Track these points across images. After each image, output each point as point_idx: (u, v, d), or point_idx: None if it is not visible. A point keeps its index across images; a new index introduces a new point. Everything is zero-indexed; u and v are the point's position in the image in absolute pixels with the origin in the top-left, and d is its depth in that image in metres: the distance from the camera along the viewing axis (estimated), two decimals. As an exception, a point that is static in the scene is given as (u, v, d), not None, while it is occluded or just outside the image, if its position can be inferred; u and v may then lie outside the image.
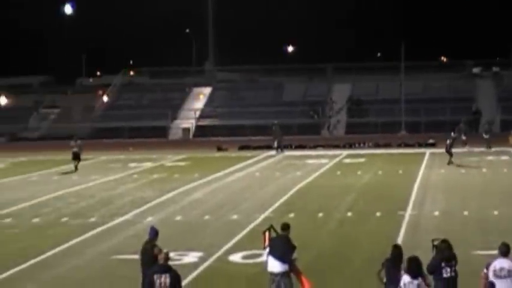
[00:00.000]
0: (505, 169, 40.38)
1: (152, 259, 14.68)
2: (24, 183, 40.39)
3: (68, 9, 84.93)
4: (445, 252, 14.61)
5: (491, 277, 14.02)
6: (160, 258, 13.74)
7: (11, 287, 19.23)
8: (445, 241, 14.89)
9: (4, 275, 20.06)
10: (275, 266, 15.56)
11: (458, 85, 76.03)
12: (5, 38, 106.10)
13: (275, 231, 16.08)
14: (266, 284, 15.90)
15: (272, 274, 15.58)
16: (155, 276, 13.41)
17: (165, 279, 13.37)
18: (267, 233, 16.31)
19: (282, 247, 15.63)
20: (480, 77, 79.52)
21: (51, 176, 43.08)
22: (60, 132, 74.14)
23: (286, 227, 16.11)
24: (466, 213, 27.01)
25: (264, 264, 16.01)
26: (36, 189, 37.02)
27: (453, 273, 14.39)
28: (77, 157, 44.38)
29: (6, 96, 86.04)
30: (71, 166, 44.74)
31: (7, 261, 21.42)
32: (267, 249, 15.82)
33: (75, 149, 44.50)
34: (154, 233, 16.02)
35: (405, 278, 13.46)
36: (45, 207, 31.44)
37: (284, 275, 15.50)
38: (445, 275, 14.36)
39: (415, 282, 13.43)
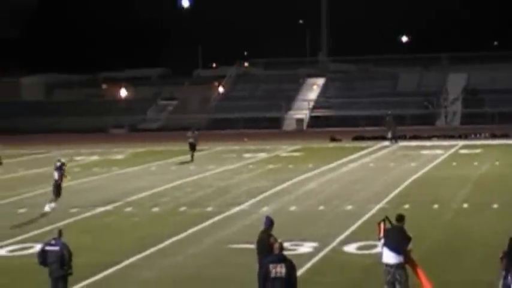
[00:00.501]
0: None
1: (267, 248, 14.98)
2: (143, 173, 41.34)
3: (186, 2, 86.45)
4: None
5: None
6: (276, 248, 13.99)
7: (130, 274, 19.65)
8: None
9: (124, 262, 20.56)
10: (390, 257, 15.56)
11: None
12: (125, 28, 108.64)
13: (390, 222, 16.04)
14: (381, 275, 15.94)
15: (387, 265, 15.58)
16: (271, 266, 13.58)
17: (281, 268, 13.52)
18: (381, 224, 16.28)
19: (397, 238, 15.61)
20: None
21: (169, 166, 43.94)
22: (178, 123, 75.69)
23: (401, 218, 16.05)
24: None
25: (379, 255, 16.09)
26: (155, 179, 37.82)
27: None
28: (193, 148, 45.34)
29: (126, 89, 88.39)
30: (188, 156, 45.64)
31: (127, 249, 21.99)
32: (382, 240, 15.84)
33: (191, 140, 45.47)
34: (269, 222, 16.27)
35: None
36: (164, 197, 32.11)
37: (399, 266, 15.47)
38: None
39: None
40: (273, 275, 13.55)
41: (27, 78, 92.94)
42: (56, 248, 15.39)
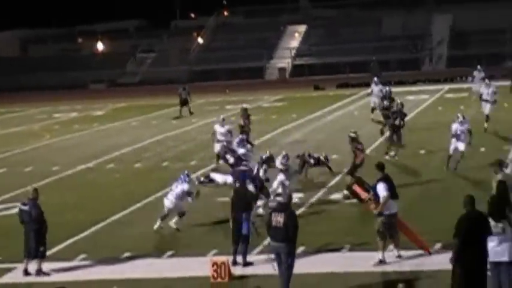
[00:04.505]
0: None
1: (244, 204, 15.87)
2: (124, 128, 40.86)
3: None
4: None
5: None
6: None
7: (115, 230, 19.63)
8: (504, 183, 14.17)
9: (110, 219, 20.50)
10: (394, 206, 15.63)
11: None
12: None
13: (362, 182, 16.42)
14: (367, 223, 16.25)
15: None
16: (273, 215, 14.04)
17: (280, 218, 13.87)
18: (355, 187, 16.73)
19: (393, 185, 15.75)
20: None
21: (150, 121, 43.41)
22: (158, 76, 74.86)
23: (382, 167, 15.93)
24: None
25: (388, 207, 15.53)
26: (136, 134, 37.38)
27: None
28: (185, 103, 44.44)
29: (102, 42, 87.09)
30: (171, 110, 44.95)
31: (111, 206, 21.87)
32: (386, 193, 15.34)
33: (183, 96, 44.60)
34: (244, 177, 17.23)
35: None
36: (146, 152, 31.76)
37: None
38: None
39: (499, 225, 12.61)
40: (273, 223, 13.93)
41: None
42: (26, 208, 16.02)
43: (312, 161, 24.50)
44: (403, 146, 27.23)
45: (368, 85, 53.23)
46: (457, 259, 12.50)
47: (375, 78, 37.49)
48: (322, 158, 24.88)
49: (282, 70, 75.60)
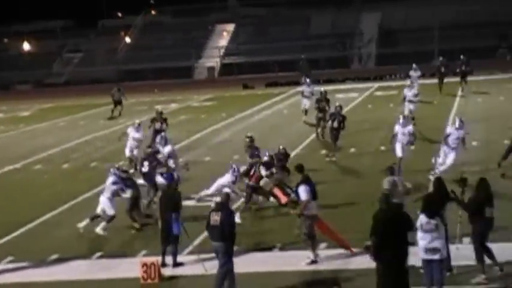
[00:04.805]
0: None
1: (173, 204, 15.68)
2: (52, 129, 40.28)
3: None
4: (486, 191, 14.03)
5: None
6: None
7: (43, 232, 19.35)
8: (483, 179, 14.31)
9: (37, 221, 20.23)
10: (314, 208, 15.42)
11: (495, 8, 71.39)
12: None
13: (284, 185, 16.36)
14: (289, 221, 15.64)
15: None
16: (211, 214, 14.12)
17: (217, 217, 13.95)
18: (276, 190, 16.48)
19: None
20: None
21: (78, 121, 42.84)
22: (84, 76, 73.90)
23: (301, 168, 16.06)
24: (506, 141, 26.17)
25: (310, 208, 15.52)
26: (64, 135, 36.88)
27: (492, 215, 13.94)
28: (118, 103, 43.86)
29: (29, 42, 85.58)
30: (99, 110, 44.39)
31: (39, 207, 21.57)
32: (308, 196, 15.41)
33: (115, 97, 44.02)
34: (171, 178, 17.20)
35: (421, 218, 12.77)
36: (74, 153, 31.41)
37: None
38: (488, 215, 13.89)
39: (432, 222, 12.70)
40: (212, 222, 14.01)
41: None
42: None
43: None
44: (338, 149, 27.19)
45: (297, 84, 53.64)
46: (376, 256, 12.54)
47: (307, 80, 37.15)
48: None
49: (210, 69, 75.38)
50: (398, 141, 22.72)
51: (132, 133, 26.50)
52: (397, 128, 23.06)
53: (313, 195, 15.59)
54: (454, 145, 21.50)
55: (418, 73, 41.82)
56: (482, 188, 14.06)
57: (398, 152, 22.52)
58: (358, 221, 16.97)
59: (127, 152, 26.10)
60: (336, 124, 26.21)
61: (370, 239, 12.47)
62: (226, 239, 13.80)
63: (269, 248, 16.49)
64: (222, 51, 77.94)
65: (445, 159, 21.42)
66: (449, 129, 22.03)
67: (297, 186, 15.70)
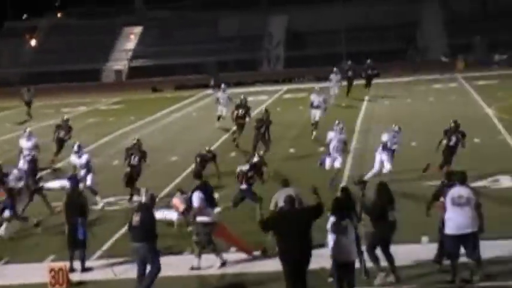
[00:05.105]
0: (453, 97, 40.40)
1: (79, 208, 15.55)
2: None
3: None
4: (388, 195, 14.12)
5: (449, 205, 13.62)
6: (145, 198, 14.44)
7: None
8: (383, 184, 14.42)
9: None
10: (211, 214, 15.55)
11: (403, 10, 72.30)
12: None
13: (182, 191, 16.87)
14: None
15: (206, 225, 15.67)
16: (134, 214, 14.06)
17: (137, 217, 13.89)
18: (175, 200, 17.35)
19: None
20: (424, 0, 76.63)
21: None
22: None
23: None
24: (414, 144, 26.63)
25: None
26: (-34, 139, 35.81)
27: (394, 218, 14.01)
28: (28, 104, 42.98)
29: None
30: (5, 114, 43.45)
31: None
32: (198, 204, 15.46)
33: (26, 98, 43.08)
34: (75, 182, 17.08)
35: (331, 220, 12.83)
36: (-23, 157, 30.35)
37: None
38: (391, 218, 13.95)
39: (343, 223, 12.77)
40: (134, 223, 13.95)
41: None
42: None
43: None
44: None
45: (206, 86, 53.51)
46: (280, 257, 12.68)
47: (223, 85, 36.68)
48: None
49: (118, 72, 74.59)
50: (337, 151, 21.65)
51: (23, 144, 25.07)
52: (332, 135, 22.04)
53: (211, 202, 15.52)
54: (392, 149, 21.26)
55: (339, 76, 41.71)
56: (384, 192, 14.10)
57: (337, 163, 21.50)
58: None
59: (22, 165, 23.54)
60: (263, 129, 26.17)
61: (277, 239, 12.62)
62: (146, 239, 13.66)
63: (179, 252, 16.29)
64: (130, 54, 77.21)
65: (384, 165, 20.94)
66: (385, 136, 21.39)
67: (192, 192, 15.66)
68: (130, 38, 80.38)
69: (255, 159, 19.42)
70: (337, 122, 22.30)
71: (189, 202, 16.00)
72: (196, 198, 15.35)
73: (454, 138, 21.43)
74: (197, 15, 79.16)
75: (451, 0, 73.47)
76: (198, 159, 22.71)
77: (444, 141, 21.64)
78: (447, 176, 14.87)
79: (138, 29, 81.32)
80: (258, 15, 77.28)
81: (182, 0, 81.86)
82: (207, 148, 23.19)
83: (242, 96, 31.29)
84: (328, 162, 21.57)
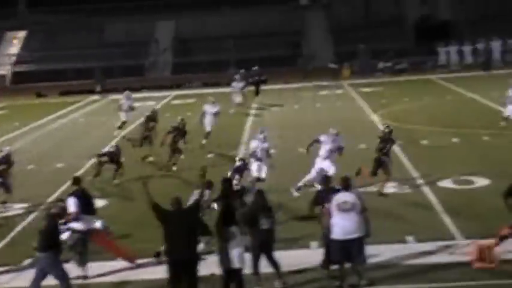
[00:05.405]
0: (339, 103, 40.97)
1: None
2: None
3: None
4: (262, 202, 14.12)
5: (334, 211, 13.76)
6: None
7: None
8: (260, 191, 14.49)
9: None
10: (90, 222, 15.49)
11: (288, 18, 72.56)
12: None
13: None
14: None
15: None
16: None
17: (43, 227, 13.81)
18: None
19: None
20: (309, 9, 77.75)
21: None
22: None
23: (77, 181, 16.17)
24: (301, 149, 26.79)
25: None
26: None
27: (269, 226, 13.94)
28: None
29: None
30: None
31: None
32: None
33: None
34: None
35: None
36: None
37: None
38: (264, 227, 13.87)
39: (231, 230, 13.07)
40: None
41: None
42: None
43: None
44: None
45: (92, 92, 52.74)
46: (166, 257, 12.86)
47: (127, 92, 35.98)
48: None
49: (1, 77, 72.66)
50: (257, 160, 21.10)
51: None
52: (255, 144, 21.50)
53: (90, 209, 15.36)
54: (325, 155, 20.99)
55: (241, 84, 41.61)
56: (258, 200, 14.11)
57: (263, 173, 20.95)
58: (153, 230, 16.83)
59: None
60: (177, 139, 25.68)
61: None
62: (48, 249, 13.37)
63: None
64: (13, 58, 75.39)
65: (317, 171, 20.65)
66: (322, 138, 21.23)
67: (68, 197, 15.48)
68: (14, 43, 78.48)
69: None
70: (260, 130, 22.01)
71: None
72: (72, 203, 15.13)
73: (387, 146, 20.68)
74: (83, 20, 77.97)
75: (335, 10, 74.82)
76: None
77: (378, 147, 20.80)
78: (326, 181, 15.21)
79: (21, 34, 79.46)
80: (145, 22, 76.79)
81: (68, 5, 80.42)
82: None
83: (156, 108, 30.92)
84: (254, 172, 20.89)
